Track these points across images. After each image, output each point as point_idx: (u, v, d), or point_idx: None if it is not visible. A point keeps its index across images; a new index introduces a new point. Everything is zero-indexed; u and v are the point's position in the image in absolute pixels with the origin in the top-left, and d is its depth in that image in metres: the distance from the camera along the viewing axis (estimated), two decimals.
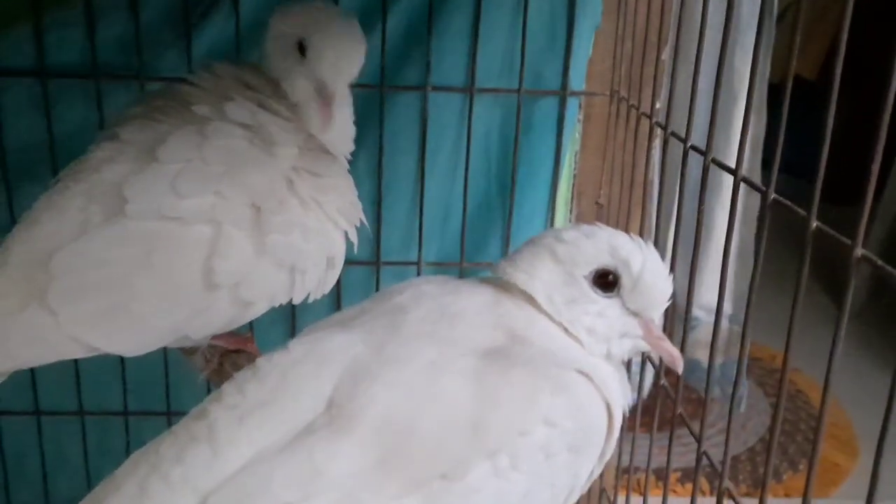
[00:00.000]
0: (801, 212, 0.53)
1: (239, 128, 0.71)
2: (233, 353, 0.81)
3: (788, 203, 0.57)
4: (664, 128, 0.80)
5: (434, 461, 0.49)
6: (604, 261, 0.56)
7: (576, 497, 0.56)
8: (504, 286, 0.58)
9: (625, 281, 0.56)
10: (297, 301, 0.74)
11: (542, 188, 1.05)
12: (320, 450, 0.49)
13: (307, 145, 0.74)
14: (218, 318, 0.70)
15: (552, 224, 1.06)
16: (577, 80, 1.01)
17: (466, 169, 1.01)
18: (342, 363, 0.52)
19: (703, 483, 1.39)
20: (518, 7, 0.97)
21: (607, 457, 0.57)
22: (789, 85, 0.56)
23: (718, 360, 1.68)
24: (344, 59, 0.73)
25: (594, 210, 1.08)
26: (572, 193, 1.08)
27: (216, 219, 0.67)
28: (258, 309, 0.72)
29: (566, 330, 0.57)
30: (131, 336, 0.68)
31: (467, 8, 0.97)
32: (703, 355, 1.59)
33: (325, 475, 0.48)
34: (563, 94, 1.01)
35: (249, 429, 0.50)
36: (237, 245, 0.68)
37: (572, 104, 1.02)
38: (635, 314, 0.57)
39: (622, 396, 0.57)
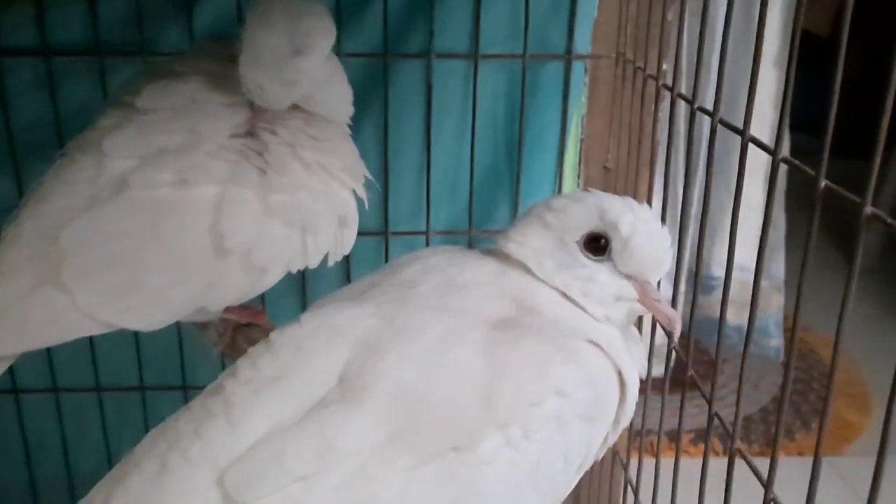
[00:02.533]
0: (810, 171, 0.52)
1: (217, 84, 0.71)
2: (245, 327, 0.82)
3: (797, 162, 0.57)
4: (671, 89, 0.80)
5: (446, 433, 0.50)
6: (593, 224, 0.56)
7: (589, 465, 0.56)
8: (505, 257, 0.58)
9: (615, 244, 0.56)
10: (313, 265, 0.73)
11: (550, 153, 1.04)
12: (332, 424, 0.49)
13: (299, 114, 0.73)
14: (233, 287, 0.70)
15: (560, 189, 1.05)
16: (583, 44, 1.00)
17: (473, 136, 1.01)
18: (353, 337, 0.53)
19: (717, 444, 1.40)
20: None
21: (623, 424, 0.58)
22: (796, 42, 0.55)
23: (740, 318, 1.68)
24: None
25: (602, 174, 1.08)
26: (580, 158, 1.07)
27: (220, 180, 0.67)
28: (274, 276, 0.72)
29: (567, 297, 0.56)
30: (147, 310, 0.68)
31: None
32: (728, 313, 1.59)
33: (338, 449, 0.49)
34: (568, 57, 1.00)
35: (264, 403, 0.51)
36: (245, 208, 0.67)
37: (578, 68, 1.01)
38: (630, 277, 0.57)
39: (634, 361, 0.57)
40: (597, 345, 0.54)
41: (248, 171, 0.68)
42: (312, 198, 0.70)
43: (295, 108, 0.74)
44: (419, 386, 0.50)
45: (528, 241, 0.57)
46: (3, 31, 0.94)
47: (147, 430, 0.55)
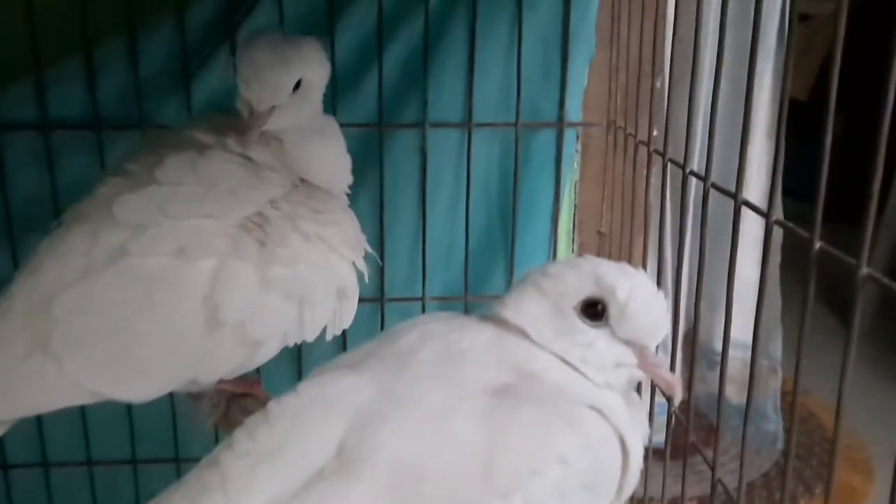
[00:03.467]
0: (804, 233, 0.53)
1: (239, 167, 0.72)
2: (240, 398, 0.81)
3: (790, 225, 0.57)
4: (662, 154, 0.81)
5: None
6: (589, 290, 0.55)
7: None
8: (502, 323, 0.58)
9: (612, 309, 0.55)
10: (311, 338, 0.73)
11: (544, 219, 1.05)
12: (330, 497, 0.48)
13: (302, 184, 0.74)
14: (227, 359, 0.69)
15: (555, 255, 1.06)
16: (574, 112, 1.02)
17: (467, 203, 1.01)
18: (352, 407, 0.52)
19: None
20: (512, 42, 0.99)
21: (627, 491, 0.56)
22: (785, 108, 0.57)
23: (744, 396, 1.64)
24: (259, 81, 0.71)
25: (596, 239, 1.09)
26: (574, 223, 1.08)
27: (219, 253, 0.67)
28: (269, 349, 0.71)
29: (566, 362, 0.56)
30: (137, 382, 0.67)
31: (462, 45, 0.98)
32: (729, 391, 1.55)
33: None
34: (560, 125, 1.02)
35: (261, 477, 0.50)
36: (241, 279, 0.67)
37: (570, 135, 1.03)
38: (628, 342, 0.56)
39: (637, 427, 0.56)
40: (598, 411, 0.53)
41: (247, 243, 0.68)
42: (311, 270, 0.70)
43: (301, 181, 0.75)
44: (418, 457, 0.49)
45: (524, 308, 0.57)
46: (3, 105, 0.95)
47: None
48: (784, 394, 1.79)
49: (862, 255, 0.46)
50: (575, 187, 1.07)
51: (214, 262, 0.67)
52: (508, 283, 1.04)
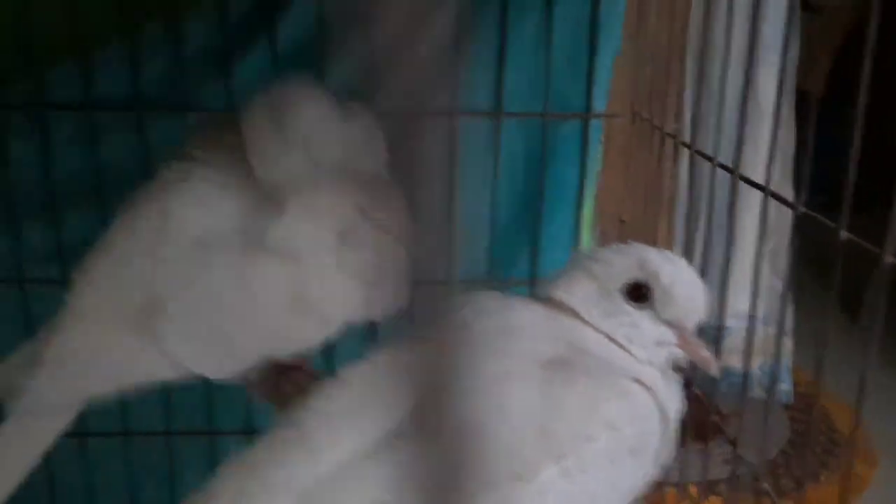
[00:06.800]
0: (830, 223, 0.56)
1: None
2: (290, 371, 0.83)
3: (817, 216, 0.60)
4: (689, 146, 0.83)
5: (506, 464, 0.52)
6: (635, 274, 0.60)
7: (632, 499, 0.59)
8: (552, 304, 0.62)
9: (656, 292, 0.60)
10: (374, 318, 0.76)
11: (568, 208, 1.07)
12: (405, 452, 0.51)
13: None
14: (305, 336, 0.73)
15: (578, 243, 1.08)
16: (600, 103, 1.04)
17: (493, 191, 1.03)
18: (420, 374, 0.55)
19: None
20: (541, 35, 1.01)
21: (664, 459, 0.60)
22: (816, 101, 0.59)
23: (758, 361, 1.69)
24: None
25: (618, 228, 1.11)
26: (596, 213, 1.10)
27: (307, 238, 0.70)
28: (335, 328, 0.74)
29: (612, 340, 0.60)
30: (226, 358, 0.71)
31: (493, 36, 1.00)
32: (736, 361, 1.59)
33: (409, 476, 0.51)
34: (586, 116, 1.04)
35: (341, 433, 0.54)
36: (324, 259, 0.71)
37: (595, 126, 1.05)
38: (669, 324, 0.60)
39: (673, 400, 0.60)
40: (641, 383, 0.57)
41: (329, 232, 0.72)
42: (379, 253, 0.74)
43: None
44: (481, 420, 0.52)
45: (574, 290, 0.61)
46: (48, 86, 0.97)
47: (172, 477, 0.56)
48: (796, 385, 1.82)
49: (885, 245, 0.49)
50: (597, 176, 1.09)
51: (304, 246, 0.70)
52: (532, 271, 1.07)
